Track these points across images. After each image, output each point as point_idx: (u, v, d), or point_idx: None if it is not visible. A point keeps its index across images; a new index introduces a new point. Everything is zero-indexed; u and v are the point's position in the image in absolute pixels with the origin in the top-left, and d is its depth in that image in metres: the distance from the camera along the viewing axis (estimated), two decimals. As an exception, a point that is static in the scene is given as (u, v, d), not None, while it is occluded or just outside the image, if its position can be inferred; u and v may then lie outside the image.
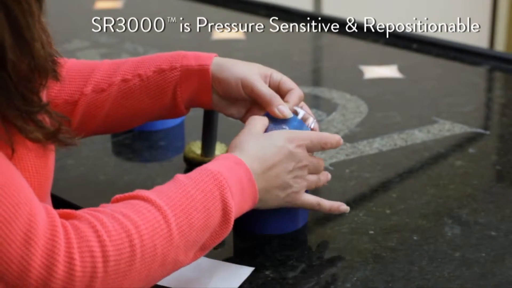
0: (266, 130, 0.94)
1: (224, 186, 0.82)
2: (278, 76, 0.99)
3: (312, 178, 0.93)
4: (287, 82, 0.98)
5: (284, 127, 0.94)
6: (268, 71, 0.99)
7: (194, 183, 0.81)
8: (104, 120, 1.01)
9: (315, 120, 0.97)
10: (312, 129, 0.96)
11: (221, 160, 0.86)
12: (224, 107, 1.00)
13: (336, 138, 0.94)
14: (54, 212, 0.73)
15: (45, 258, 0.70)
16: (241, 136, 0.90)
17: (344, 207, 0.96)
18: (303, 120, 0.96)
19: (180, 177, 0.83)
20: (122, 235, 0.74)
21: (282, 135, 0.90)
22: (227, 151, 0.90)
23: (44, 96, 0.79)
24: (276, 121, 0.95)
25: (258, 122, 0.93)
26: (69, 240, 0.72)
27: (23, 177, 0.75)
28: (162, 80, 0.99)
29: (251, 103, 1.00)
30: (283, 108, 0.95)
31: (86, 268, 0.71)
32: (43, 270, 0.70)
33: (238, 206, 0.84)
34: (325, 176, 0.96)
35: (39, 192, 0.78)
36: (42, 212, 0.72)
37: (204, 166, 0.85)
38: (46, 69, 0.74)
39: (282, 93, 0.98)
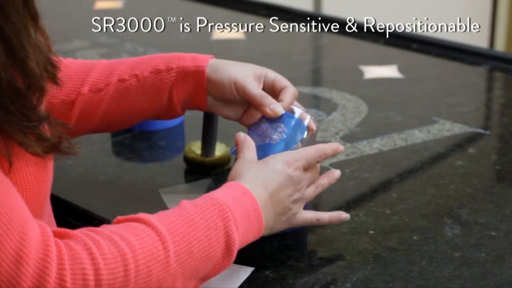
0: (263, 132, 0.94)
1: (229, 218, 0.81)
2: (272, 75, 0.99)
3: (310, 192, 0.92)
4: (281, 80, 0.99)
5: (280, 125, 0.94)
6: (263, 71, 0.99)
7: (198, 211, 0.80)
8: (101, 120, 1.01)
9: (312, 118, 0.97)
10: (309, 127, 0.96)
11: (229, 189, 0.84)
12: (220, 108, 1.00)
13: (332, 147, 0.93)
14: (49, 232, 0.72)
15: (36, 279, 0.69)
16: (239, 166, 0.89)
17: (344, 216, 0.95)
18: (301, 118, 0.96)
19: (186, 203, 0.81)
20: (118, 258, 0.73)
21: (279, 159, 0.89)
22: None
23: (43, 106, 0.79)
24: (273, 121, 0.95)
25: (248, 148, 0.92)
26: (61, 261, 0.70)
27: (22, 187, 0.75)
28: (159, 80, 0.99)
29: (248, 104, 1.00)
30: (274, 107, 0.95)
31: None
32: None
33: (243, 237, 0.83)
34: (328, 178, 0.95)
35: (37, 201, 0.78)
36: (36, 231, 0.71)
37: (212, 194, 0.83)
38: (42, 86, 0.73)
39: (276, 92, 0.98)
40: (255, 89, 0.96)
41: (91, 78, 1.01)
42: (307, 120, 0.97)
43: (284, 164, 0.89)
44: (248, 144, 0.92)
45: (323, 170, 1.12)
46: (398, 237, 0.96)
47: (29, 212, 0.72)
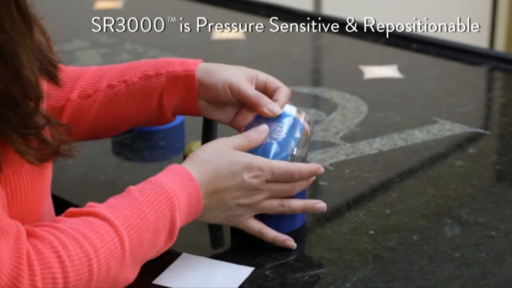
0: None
1: (175, 207, 0.82)
2: (263, 76, 0.99)
3: (268, 204, 0.91)
4: (273, 81, 0.99)
5: (279, 124, 0.94)
6: (254, 73, 0.99)
7: (148, 201, 0.81)
8: (90, 126, 1.01)
9: (306, 116, 0.97)
10: (306, 125, 0.96)
11: (175, 174, 0.85)
12: (212, 112, 1.00)
13: (311, 168, 0.91)
14: (24, 237, 0.73)
15: (9, 286, 0.70)
16: (207, 149, 0.90)
17: (290, 243, 0.93)
18: (297, 117, 0.96)
19: (134, 192, 0.82)
20: (83, 259, 0.74)
21: (242, 160, 0.88)
22: (186, 156, 0.89)
23: (44, 107, 0.79)
24: (270, 121, 0.95)
25: (238, 139, 0.91)
26: (32, 267, 0.71)
27: (20, 186, 0.75)
28: (148, 86, 0.99)
29: (239, 106, 1.00)
30: (272, 106, 0.95)
31: None
32: None
33: (182, 223, 0.85)
34: (306, 205, 0.93)
35: (36, 200, 0.78)
36: (11, 238, 0.72)
37: (158, 180, 0.84)
38: (38, 94, 0.73)
39: (269, 93, 0.98)
40: (251, 90, 0.96)
41: (81, 84, 1.01)
42: (303, 118, 0.97)
43: (243, 167, 0.88)
44: (249, 138, 0.92)
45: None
46: (398, 237, 0.96)
47: (5, 216, 0.72)
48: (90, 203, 0.81)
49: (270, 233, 0.92)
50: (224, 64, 1.00)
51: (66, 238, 0.75)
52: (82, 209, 0.80)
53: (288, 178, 0.90)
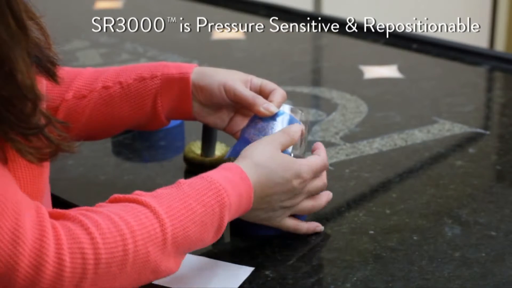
0: (260, 130, 0.94)
1: (225, 204, 0.82)
2: (258, 80, 1.00)
3: (305, 205, 0.93)
4: (268, 84, 0.99)
5: (275, 123, 0.95)
6: (248, 76, 1.00)
7: (197, 195, 0.81)
8: (85, 127, 1.01)
9: (302, 114, 0.97)
10: (302, 123, 0.96)
11: (228, 172, 0.85)
12: (206, 116, 1.00)
13: (324, 160, 0.95)
14: (45, 212, 0.73)
15: (34, 258, 0.70)
16: (262, 153, 0.89)
17: (319, 228, 0.96)
18: (293, 116, 0.96)
19: (184, 184, 0.82)
20: (117, 238, 0.74)
21: (293, 167, 0.89)
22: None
23: (44, 105, 0.79)
24: (266, 121, 0.95)
25: (283, 138, 0.92)
26: (58, 240, 0.71)
27: (16, 177, 0.75)
28: (143, 88, 0.99)
29: (234, 111, 1.01)
30: (268, 106, 0.96)
31: (76, 269, 0.71)
32: (31, 270, 0.70)
33: (230, 219, 0.85)
34: (326, 197, 0.97)
35: (34, 196, 0.78)
36: (32, 211, 0.72)
37: (210, 175, 0.84)
38: (35, 97, 0.72)
39: (264, 95, 0.99)
40: (246, 90, 0.97)
41: (76, 85, 1.02)
42: (299, 116, 0.97)
43: (294, 175, 0.89)
44: (289, 133, 0.93)
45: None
46: (398, 237, 0.96)
47: (24, 194, 0.73)
48: (137, 191, 0.81)
49: (304, 226, 0.95)
50: (219, 68, 1.01)
51: (99, 217, 0.75)
52: (127, 195, 0.80)
53: (322, 171, 0.94)
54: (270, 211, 0.91)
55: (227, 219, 0.83)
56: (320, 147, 0.97)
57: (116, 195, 0.81)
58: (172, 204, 0.79)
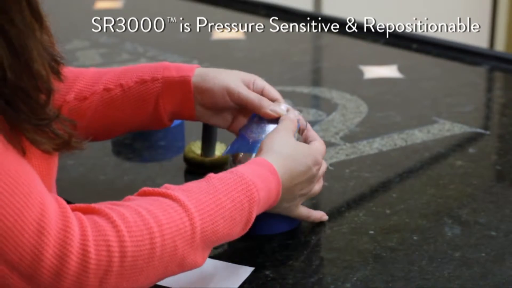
0: (258, 128, 0.95)
1: (255, 200, 0.83)
2: (261, 83, 0.99)
3: (316, 188, 0.96)
4: (270, 90, 0.99)
5: (275, 123, 0.95)
6: (251, 78, 0.99)
7: (227, 189, 0.81)
8: (86, 129, 1.01)
9: (301, 115, 0.98)
10: (302, 128, 0.97)
11: (257, 166, 0.86)
12: (209, 117, 1.00)
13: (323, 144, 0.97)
14: (65, 204, 0.73)
15: (58, 249, 0.70)
16: (277, 137, 0.91)
17: (325, 217, 0.98)
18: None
19: (214, 179, 0.82)
20: (144, 231, 0.74)
21: (311, 155, 0.91)
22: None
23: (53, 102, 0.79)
24: (266, 121, 0.96)
25: (289, 120, 0.94)
26: (84, 232, 0.71)
27: None
28: (144, 90, 0.99)
29: (237, 111, 1.00)
30: (274, 108, 0.96)
31: (101, 262, 0.71)
32: (56, 260, 0.70)
33: (256, 214, 0.85)
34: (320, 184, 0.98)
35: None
36: (54, 203, 0.72)
37: (240, 170, 0.84)
38: (49, 87, 0.74)
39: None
40: (250, 93, 0.97)
41: (77, 86, 1.02)
42: (301, 119, 0.97)
43: (313, 161, 0.91)
44: (293, 116, 0.95)
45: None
46: (398, 237, 0.96)
47: (44, 186, 0.73)
48: (167, 185, 0.81)
49: (317, 214, 0.97)
50: (220, 69, 1.00)
51: (125, 210, 0.75)
52: (156, 189, 0.80)
53: (324, 155, 0.96)
54: (291, 201, 0.92)
55: (255, 214, 0.84)
56: (313, 134, 0.98)
57: (145, 188, 0.81)
58: (201, 198, 0.79)
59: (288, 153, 0.89)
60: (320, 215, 0.98)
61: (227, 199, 0.81)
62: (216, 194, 0.81)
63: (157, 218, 0.75)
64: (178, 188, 0.80)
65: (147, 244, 0.74)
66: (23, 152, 0.73)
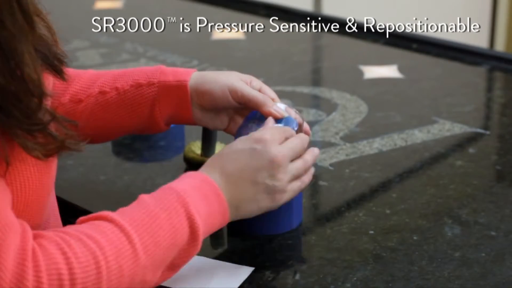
0: (256, 129, 0.95)
1: (189, 203, 0.81)
2: (258, 83, 0.99)
3: (295, 167, 0.89)
4: (267, 90, 0.98)
5: (279, 125, 0.95)
6: (248, 78, 0.99)
7: (157, 202, 0.80)
8: (82, 131, 1.00)
9: (297, 111, 0.98)
10: (298, 123, 0.97)
11: (187, 178, 0.84)
12: (208, 120, 1.00)
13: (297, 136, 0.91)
14: (30, 236, 0.73)
15: (14, 283, 0.70)
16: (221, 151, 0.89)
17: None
18: (290, 115, 0.97)
19: (144, 196, 0.82)
20: (89, 257, 0.73)
21: (242, 139, 0.88)
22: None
23: (49, 102, 0.79)
24: (265, 120, 0.96)
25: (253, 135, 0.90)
26: (37, 262, 0.71)
27: (24, 179, 0.75)
28: (139, 94, 0.99)
29: (234, 112, 1.00)
30: (278, 108, 0.96)
31: None
32: None
33: (207, 222, 0.82)
34: (312, 155, 0.92)
35: (40, 194, 0.78)
36: (17, 235, 0.72)
37: (169, 184, 0.83)
38: (40, 91, 0.73)
39: None
40: (253, 91, 0.96)
41: (73, 88, 1.01)
42: (294, 114, 0.97)
43: (248, 142, 0.87)
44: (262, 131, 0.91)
45: (323, 171, 1.12)
46: (398, 237, 0.96)
47: (12, 214, 0.73)
48: (101, 211, 0.80)
49: (309, 175, 0.91)
50: (217, 71, 1.00)
51: (70, 237, 0.75)
52: (91, 215, 0.80)
53: (292, 141, 0.90)
54: (261, 192, 0.86)
55: (198, 219, 0.81)
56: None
57: (81, 217, 0.80)
58: (134, 215, 0.79)
59: (221, 152, 0.87)
60: (311, 174, 0.91)
61: (160, 209, 0.79)
62: (148, 208, 0.80)
63: (98, 242, 0.75)
64: (112, 212, 0.80)
65: (94, 269, 0.73)
66: (6, 164, 0.72)
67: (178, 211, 0.80)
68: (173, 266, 0.81)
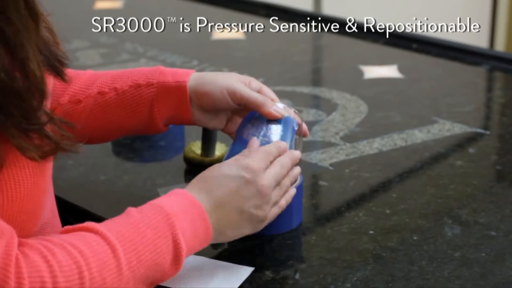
0: (255, 129, 0.95)
1: (176, 227, 0.80)
2: (257, 84, 0.99)
3: (276, 192, 0.89)
4: (267, 91, 0.99)
5: (273, 123, 0.95)
6: (247, 79, 0.99)
7: (145, 219, 0.80)
8: (81, 132, 1.00)
9: (296, 111, 0.98)
10: (299, 128, 0.97)
11: (176, 197, 0.83)
12: (207, 121, 1.00)
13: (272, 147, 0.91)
14: (15, 242, 0.72)
15: None
16: (209, 170, 0.88)
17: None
18: (290, 115, 0.97)
19: (132, 210, 0.81)
20: (72, 266, 0.73)
21: (233, 164, 0.87)
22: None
23: (48, 103, 0.79)
24: (264, 120, 0.96)
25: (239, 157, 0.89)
26: (19, 269, 0.71)
27: (19, 181, 0.75)
28: (138, 95, 0.99)
29: (232, 113, 1.01)
30: (277, 108, 0.96)
31: None
32: None
33: (190, 245, 0.82)
34: (290, 178, 0.92)
35: (36, 195, 0.78)
36: (2, 242, 0.71)
37: (158, 202, 0.82)
38: (43, 89, 0.73)
39: None
40: (253, 92, 0.96)
41: (72, 89, 1.01)
42: (292, 114, 0.97)
43: (236, 169, 0.86)
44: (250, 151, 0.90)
45: (323, 171, 1.12)
46: (398, 237, 0.96)
47: (0, 219, 0.72)
48: (87, 222, 0.80)
49: (287, 197, 0.92)
50: (216, 72, 1.00)
51: (54, 246, 0.74)
52: (77, 225, 0.79)
53: (275, 157, 0.90)
54: (247, 221, 0.87)
55: (183, 244, 0.80)
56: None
57: (66, 227, 0.80)
58: (121, 230, 0.78)
59: (209, 175, 0.86)
60: (290, 196, 0.92)
61: (148, 228, 0.79)
62: (136, 224, 0.79)
63: (82, 252, 0.74)
64: (98, 224, 0.79)
65: (77, 279, 0.73)
66: (0, 165, 0.72)
67: (165, 233, 0.80)
68: (152, 284, 0.80)
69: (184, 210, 0.82)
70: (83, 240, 0.76)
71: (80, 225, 0.79)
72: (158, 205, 0.82)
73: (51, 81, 0.85)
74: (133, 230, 0.78)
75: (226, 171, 0.86)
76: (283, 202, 0.91)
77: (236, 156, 0.89)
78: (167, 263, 0.80)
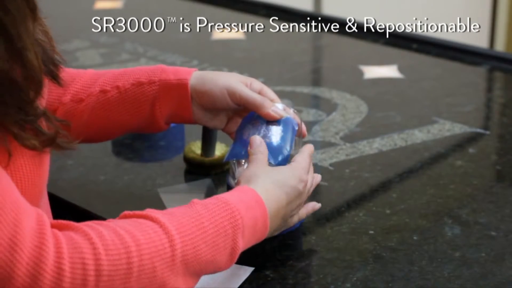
0: (256, 130, 0.95)
1: (239, 227, 0.80)
2: (258, 85, 0.99)
3: (305, 196, 0.93)
4: (267, 92, 0.99)
5: (273, 124, 0.95)
6: (248, 80, 0.99)
7: (210, 215, 0.79)
8: (83, 130, 1.01)
9: (296, 111, 0.98)
10: (298, 130, 0.97)
11: (242, 194, 0.83)
12: (208, 119, 1.00)
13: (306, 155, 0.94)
14: (46, 220, 0.71)
15: (31, 266, 0.68)
16: (255, 169, 0.88)
17: (318, 206, 0.97)
18: (290, 115, 0.97)
19: (197, 204, 0.81)
20: (121, 250, 0.72)
21: (294, 174, 0.89)
22: (238, 183, 0.88)
23: (43, 102, 0.79)
24: (265, 120, 0.96)
25: (263, 154, 0.91)
26: (59, 249, 0.70)
27: (16, 180, 0.74)
28: (140, 93, 0.99)
29: (232, 113, 1.01)
30: (276, 109, 0.95)
31: (76, 280, 0.69)
32: (28, 278, 0.68)
33: (246, 244, 0.83)
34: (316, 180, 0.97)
35: (33, 194, 0.77)
36: (32, 219, 0.70)
37: (225, 197, 0.82)
38: (39, 79, 0.72)
39: None
40: (252, 93, 0.96)
41: (74, 88, 1.01)
42: (292, 114, 0.97)
43: (298, 180, 0.89)
44: (264, 149, 0.92)
45: (323, 171, 1.12)
46: (398, 237, 0.96)
47: (25, 200, 0.72)
48: (149, 209, 0.79)
49: (308, 208, 0.96)
50: (218, 72, 1.00)
51: (104, 229, 0.73)
52: (137, 212, 0.79)
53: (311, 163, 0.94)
54: (288, 220, 0.91)
55: (241, 243, 0.81)
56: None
57: (126, 212, 0.79)
58: (183, 222, 0.77)
59: (273, 180, 0.87)
60: (311, 205, 0.96)
61: (210, 224, 0.79)
62: (199, 219, 0.78)
63: (135, 238, 0.73)
64: (159, 211, 0.79)
65: (124, 264, 0.72)
66: (8, 154, 0.72)
67: (226, 232, 0.79)
68: (200, 276, 0.80)
69: (249, 208, 0.82)
70: (139, 227, 0.75)
71: (141, 212, 0.78)
72: (224, 200, 0.81)
73: (46, 83, 0.85)
74: (194, 224, 0.78)
75: (288, 180, 0.88)
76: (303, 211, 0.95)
77: (294, 165, 0.91)
78: (222, 261, 0.80)
